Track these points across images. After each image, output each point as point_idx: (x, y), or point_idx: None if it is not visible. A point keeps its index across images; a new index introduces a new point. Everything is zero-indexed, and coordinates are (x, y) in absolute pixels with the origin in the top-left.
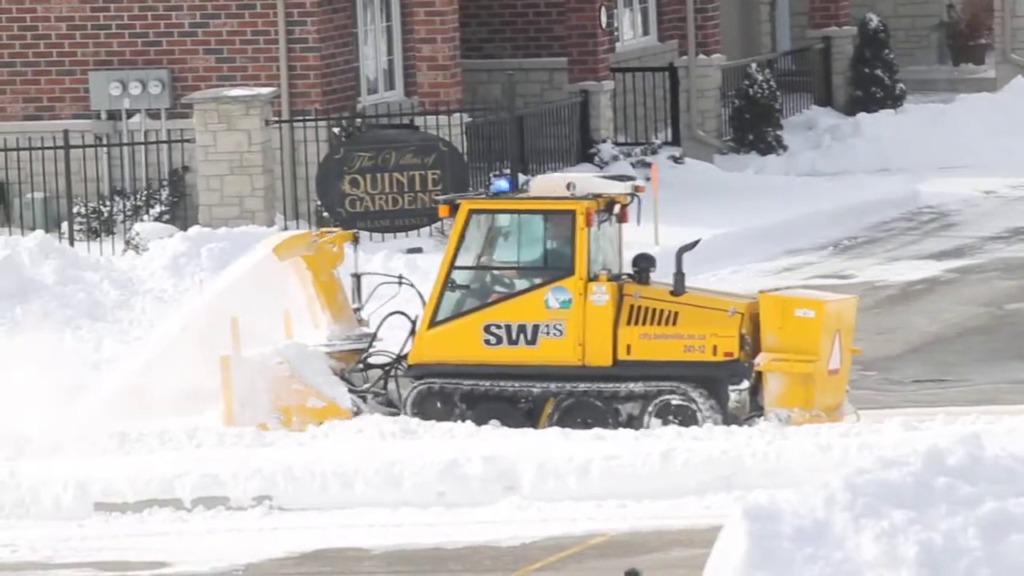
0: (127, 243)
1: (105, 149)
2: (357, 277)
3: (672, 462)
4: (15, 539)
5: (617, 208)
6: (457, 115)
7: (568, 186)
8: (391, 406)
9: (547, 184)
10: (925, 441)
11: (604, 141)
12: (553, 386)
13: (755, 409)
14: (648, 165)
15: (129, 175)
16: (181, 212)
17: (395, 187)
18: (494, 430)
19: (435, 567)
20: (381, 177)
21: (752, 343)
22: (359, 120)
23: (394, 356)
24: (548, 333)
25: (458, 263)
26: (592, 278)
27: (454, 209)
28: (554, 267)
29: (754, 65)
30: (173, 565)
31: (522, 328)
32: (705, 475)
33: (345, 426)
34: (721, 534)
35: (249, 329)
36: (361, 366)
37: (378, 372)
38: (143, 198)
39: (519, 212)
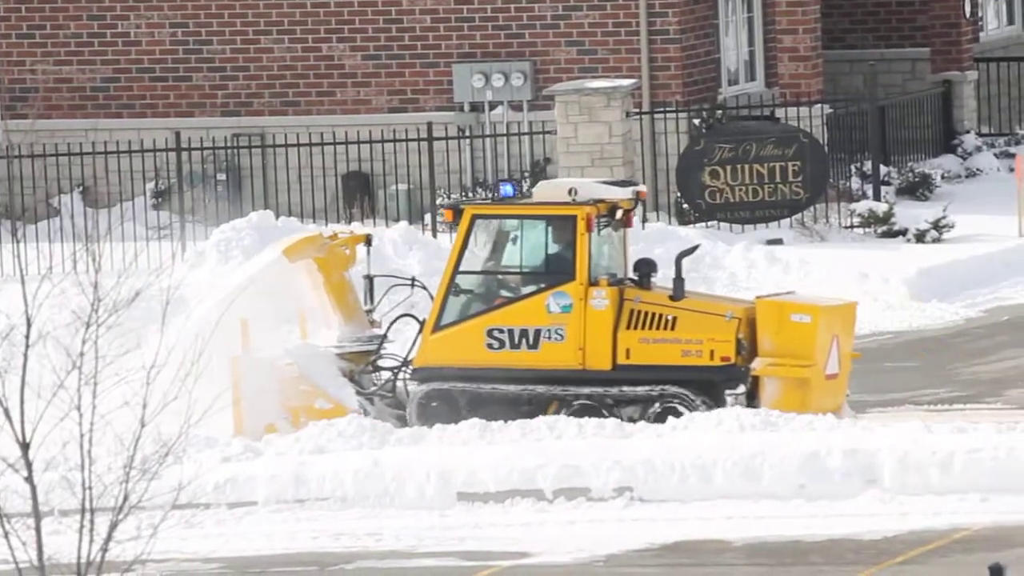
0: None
1: (468, 141)
2: (369, 279)
3: None
4: (380, 528)
5: (620, 213)
6: (818, 106)
7: (570, 191)
8: (400, 408)
9: (550, 189)
10: None
11: (967, 132)
12: (555, 390)
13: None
14: (1012, 156)
15: (491, 167)
16: None
17: (755, 179)
18: (855, 422)
19: (796, 560)
20: (741, 168)
21: (749, 348)
22: (719, 111)
23: (401, 359)
24: (549, 337)
25: (462, 268)
26: (593, 283)
27: (458, 214)
28: (555, 272)
29: None
30: (534, 555)
31: (524, 332)
32: None
33: (704, 418)
34: None
35: (262, 331)
36: (371, 368)
37: (387, 374)
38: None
39: (521, 217)
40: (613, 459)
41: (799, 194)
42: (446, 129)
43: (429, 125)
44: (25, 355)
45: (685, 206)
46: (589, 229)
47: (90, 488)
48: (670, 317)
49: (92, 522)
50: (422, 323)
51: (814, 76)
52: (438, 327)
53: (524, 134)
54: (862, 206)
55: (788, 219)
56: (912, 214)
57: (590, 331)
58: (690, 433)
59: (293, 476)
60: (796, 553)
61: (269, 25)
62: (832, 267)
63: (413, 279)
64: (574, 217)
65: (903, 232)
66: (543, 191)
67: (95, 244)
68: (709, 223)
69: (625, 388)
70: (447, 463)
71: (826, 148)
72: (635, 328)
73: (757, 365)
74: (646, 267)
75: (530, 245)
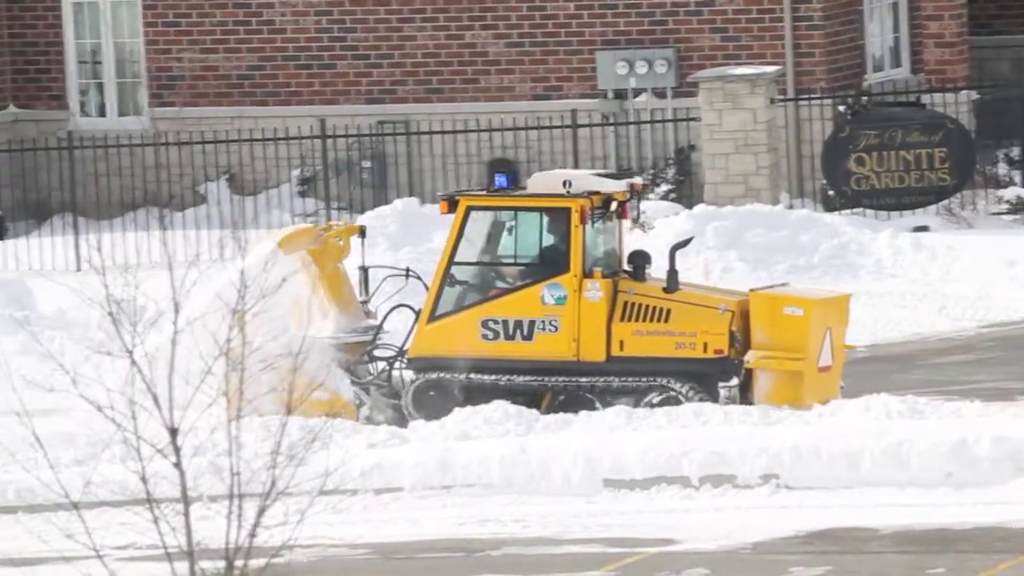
0: (634, 221)
1: (612, 128)
2: (364, 270)
3: None
4: (526, 514)
5: (615, 205)
6: (964, 92)
7: (564, 183)
8: (396, 398)
9: (545, 181)
10: None
11: None
12: (548, 380)
13: (745, 405)
14: None
15: (635, 154)
16: (687, 191)
17: (901, 165)
18: (1003, 409)
19: (943, 548)
20: (887, 155)
21: (743, 340)
22: (864, 98)
23: (397, 349)
24: (544, 328)
25: (457, 259)
26: (587, 275)
27: (453, 205)
28: (550, 263)
29: None
30: (681, 542)
31: (519, 323)
32: None
33: (851, 405)
34: None
35: (257, 322)
36: (367, 358)
37: (383, 364)
38: (649, 177)
39: (516, 209)
40: (759, 446)
41: (945, 181)
42: (590, 116)
43: (573, 112)
44: (173, 341)
45: (831, 193)
46: (583, 221)
47: (238, 474)
48: (664, 309)
49: (240, 508)
50: (418, 313)
51: (960, 62)
52: (433, 317)
53: (668, 121)
54: (1009, 192)
55: (934, 206)
56: None
57: (584, 323)
58: (836, 420)
59: (439, 462)
60: (944, 541)
61: (413, 13)
62: (979, 254)
63: (408, 269)
64: (568, 209)
65: None
66: (538, 183)
67: (241, 231)
68: (855, 210)
69: (618, 380)
70: (593, 450)
71: (972, 134)
72: (629, 320)
73: (750, 358)
74: (640, 259)
75: (525, 237)
